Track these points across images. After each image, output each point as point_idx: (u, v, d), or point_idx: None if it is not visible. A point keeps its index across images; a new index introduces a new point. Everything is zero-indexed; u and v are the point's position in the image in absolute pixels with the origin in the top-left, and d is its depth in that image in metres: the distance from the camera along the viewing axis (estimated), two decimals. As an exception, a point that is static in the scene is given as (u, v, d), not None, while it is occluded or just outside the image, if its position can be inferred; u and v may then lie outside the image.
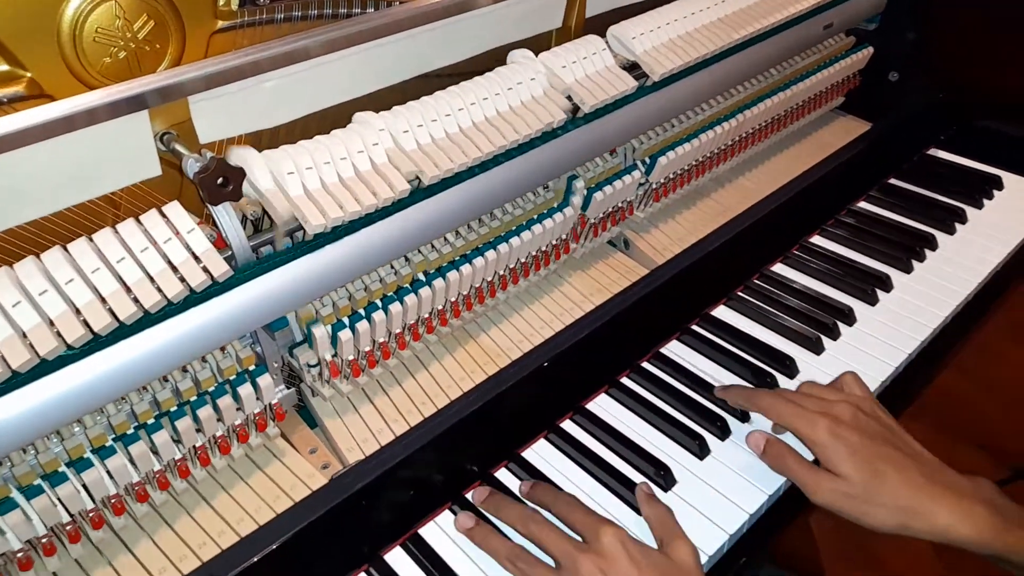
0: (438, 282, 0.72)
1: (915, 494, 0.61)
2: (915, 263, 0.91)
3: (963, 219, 0.98)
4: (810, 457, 0.65)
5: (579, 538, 0.59)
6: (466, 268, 0.74)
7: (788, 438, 0.67)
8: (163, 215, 0.57)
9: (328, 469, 0.70)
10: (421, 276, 0.73)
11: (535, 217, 0.79)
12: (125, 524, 0.61)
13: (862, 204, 1.02)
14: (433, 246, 0.74)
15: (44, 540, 0.56)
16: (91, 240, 0.54)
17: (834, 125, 1.20)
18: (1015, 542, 0.59)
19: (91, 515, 0.58)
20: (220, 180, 0.57)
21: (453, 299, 0.76)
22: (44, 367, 0.51)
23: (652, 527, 0.62)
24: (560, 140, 0.75)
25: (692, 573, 0.57)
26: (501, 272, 0.80)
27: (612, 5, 0.91)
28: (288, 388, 0.72)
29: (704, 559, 0.61)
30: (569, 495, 0.64)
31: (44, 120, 0.53)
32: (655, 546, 0.60)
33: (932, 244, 0.94)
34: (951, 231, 0.96)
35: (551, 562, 0.58)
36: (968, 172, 1.07)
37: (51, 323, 0.51)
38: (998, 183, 1.04)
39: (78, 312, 0.52)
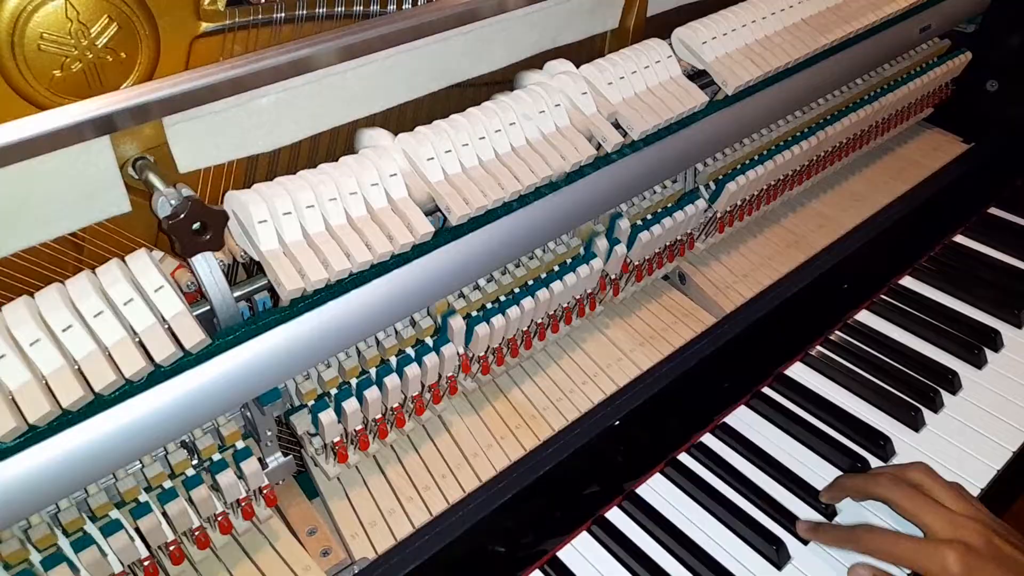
0: (493, 321, 0.61)
1: None
2: (1026, 315, 0.77)
3: (1083, 260, 0.83)
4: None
5: None
6: (498, 320, 0.62)
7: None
8: (125, 266, 0.46)
9: (328, 557, 0.59)
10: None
11: (568, 262, 0.67)
12: None
13: (960, 239, 0.88)
14: (461, 294, 0.62)
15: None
16: (32, 300, 0.43)
17: (920, 140, 1.05)
18: None
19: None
20: (196, 226, 0.46)
21: (481, 353, 0.64)
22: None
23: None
24: (609, 169, 0.63)
25: None
26: (539, 320, 0.67)
27: (677, 2, 0.78)
28: (285, 456, 0.61)
29: None
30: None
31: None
32: None
33: (1048, 292, 0.79)
34: (1069, 275, 0.82)
35: None
36: (1084, 202, 0.92)
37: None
38: (1121, 217, 0.89)
39: (10, 396, 0.41)
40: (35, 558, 0.46)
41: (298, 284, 0.47)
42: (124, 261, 0.46)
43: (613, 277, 0.72)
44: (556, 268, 0.66)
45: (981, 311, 0.78)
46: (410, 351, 0.59)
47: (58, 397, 0.42)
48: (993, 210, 0.92)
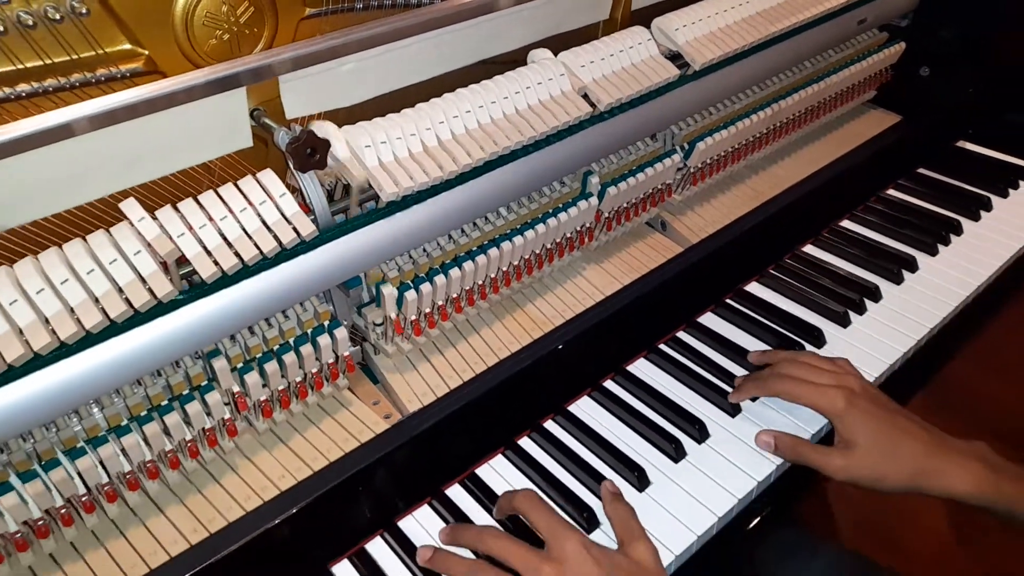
0: (492, 251, 0.79)
1: (924, 456, 0.66)
2: (940, 247, 0.96)
3: (988, 207, 1.02)
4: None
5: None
6: (518, 239, 0.80)
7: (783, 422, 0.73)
8: (257, 181, 0.64)
9: (390, 419, 0.77)
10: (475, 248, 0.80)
11: (570, 201, 0.85)
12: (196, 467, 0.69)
13: (891, 192, 1.07)
14: (487, 219, 0.81)
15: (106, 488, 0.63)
16: (197, 200, 0.61)
17: (866, 118, 1.25)
18: (1011, 491, 0.64)
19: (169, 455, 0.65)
20: (309, 150, 0.64)
21: (505, 268, 0.82)
22: (160, 308, 0.58)
23: (614, 526, 0.64)
24: (623, 116, 0.81)
25: (651, 572, 0.60)
26: (549, 245, 0.86)
27: (658, -2, 0.97)
28: (353, 346, 0.79)
29: (671, 558, 0.64)
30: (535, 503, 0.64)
31: (157, 94, 0.60)
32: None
33: (957, 229, 0.98)
34: (976, 218, 1.01)
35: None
36: (995, 163, 1.11)
37: (166, 269, 0.58)
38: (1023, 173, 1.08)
39: (187, 261, 0.59)
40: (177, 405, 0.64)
41: (393, 189, 0.66)
42: (256, 177, 0.65)
43: (588, 226, 0.90)
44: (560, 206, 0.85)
45: (903, 243, 0.97)
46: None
47: (221, 264, 0.60)
48: (922, 170, 1.11)
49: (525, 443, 0.75)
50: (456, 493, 0.69)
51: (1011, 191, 1.05)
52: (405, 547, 0.65)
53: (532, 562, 0.58)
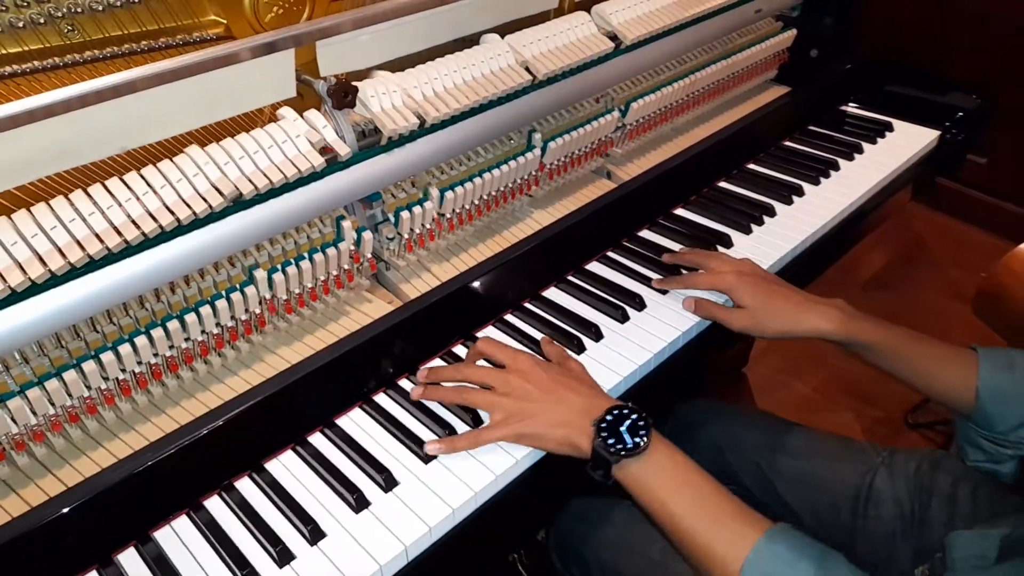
0: (458, 188, 1.02)
1: (794, 308, 0.92)
2: (823, 179, 1.23)
3: (861, 151, 1.30)
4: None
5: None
6: (474, 181, 1.03)
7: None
8: (304, 119, 0.86)
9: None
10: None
11: (517, 153, 1.08)
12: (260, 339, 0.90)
13: (787, 142, 1.34)
14: (492, 144, 1.04)
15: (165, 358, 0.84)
16: (264, 128, 0.83)
17: (768, 91, 1.52)
18: (857, 329, 0.89)
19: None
20: (343, 93, 0.87)
21: (487, 196, 1.06)
22: (239, 205, 0.80)
23: (552, 359, 0.87)
24: (561, 83, 1.06)
25: (583, 375, 0.84)
26: (503, 188, 1.08)
27: (594, -9, 1.23)
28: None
29: (619, 379, 0.89)
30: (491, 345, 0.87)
31: (233, 50, 0.82)
32: None
33: (836, 167, 1.26)
34: (851, 159, 1.28)
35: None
36: (868, 120, 1.40)
37: (249, 179, 0.80)
38: (889, 127, 1.37)
39: (263, 172, 0.81)
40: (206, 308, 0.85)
41: (393, 127, 0.88)
42: (302, 115, 0.87)
43: (534, 175, 1.13)
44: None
45: (793, 177, 1.24)
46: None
47: (285, 173, 0.81)
48: (811, 127, 1.39)
49: (489, 329, 0.98)
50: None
51: (879, 139, 1.34)
52: (383, 413, 0.86)
53: (500, 376, 0.82)
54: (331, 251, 0.90)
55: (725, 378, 1.94)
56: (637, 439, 0.72)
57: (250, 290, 0.85)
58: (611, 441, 0.72)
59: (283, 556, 0.70)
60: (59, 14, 0.71)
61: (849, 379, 2.13)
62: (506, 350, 0.86)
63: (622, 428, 0.73)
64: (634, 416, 0.74)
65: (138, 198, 0.74)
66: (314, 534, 0.72)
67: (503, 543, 1.14)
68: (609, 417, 0.74)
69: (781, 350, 2.21)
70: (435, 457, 0.79)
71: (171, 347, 0.82)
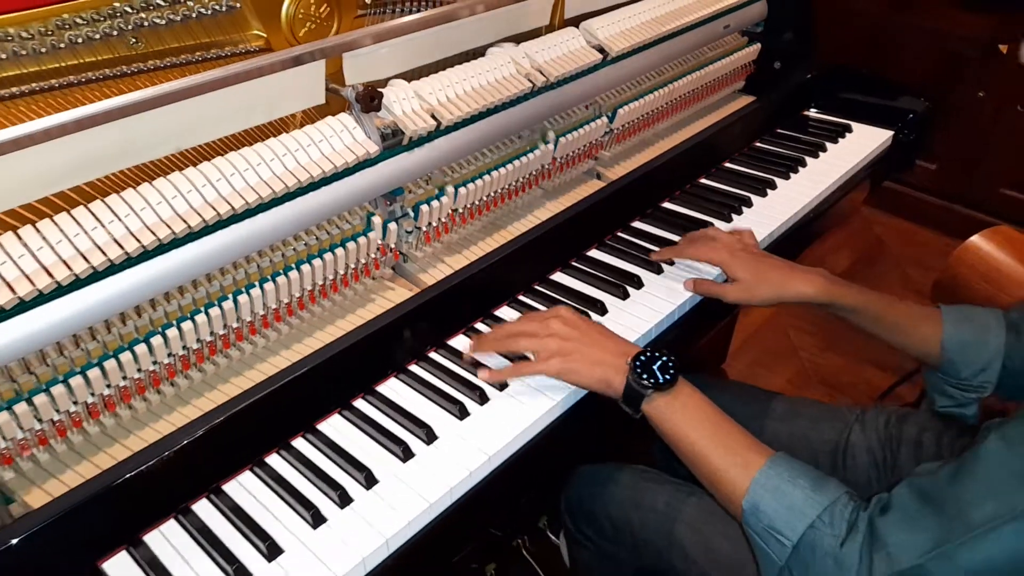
0: (479, 181, 1.12)
1: (781, 276, 1.03)
2: (791, 174, 1.36)
3: (825, 149, 1.44)
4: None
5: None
6: (496, 172, 1.14)
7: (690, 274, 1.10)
8: (339, 120, 0.96)
9: (422, 296, 1.08)
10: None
11: (531, 147, 1.20)
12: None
13: (757, 144, 1.48)
14: (475, 157, 1.15)
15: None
16: (302, 129, 0.93)
17: (736, 100, 1.66)
18: (838, 293, 1.01)
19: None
20: (370, 98, 0.97)
21: (495, 192, 1.16)
22: (266, 204, 0.89)
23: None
24: (558, 90, 1.18)
25: (605, 332, 0.93)
26: (522, 179, 1.20)
27: (584, 9, 1.35)
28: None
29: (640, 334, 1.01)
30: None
31: (272, 62, 0.92)
32: None
33: (803, 163, 1.40)
34: (816, 156, 1.42)
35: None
36: (829, 123, 1.54)
37: (305, 169, 0.89)
38: (849, 128, 1.51)
39: (301, 168, 0.90)
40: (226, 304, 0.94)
41: (414, 128, 0.99)
42: (334, 118, 0.96)
43: (546, 167, 1.25)
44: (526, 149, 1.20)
45: (766, 173, 1.37)
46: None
47: (323, 169, 0.91)
48: (779, 129, 1.52)
49: (505, 309, 1.08)
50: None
51: (840, 139, 1.48)
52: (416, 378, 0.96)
53: (543, 323, 0.91)
54: (361, 240, 1.00)
55: (707, 372, 2.06)
56: (667, 376, 0.83)
57: (284, 278, 0.94)
58: (644, 376, 0.83)
59: (345, 498, 0.79)
60: (128, 27, 0.81)
61: (819, 372, 2.26)
62: (537, 313, 0.96)
63: (655, 366, 0.83)
64: (664, 358, 0.85)
65: (199, 189, 0.83)
66: (370, 479, 0.81)
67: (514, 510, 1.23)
68: (643, 357, 0.86)
69: (757, 346, 2.34)
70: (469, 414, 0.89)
71: (217, 330, 0.90)
